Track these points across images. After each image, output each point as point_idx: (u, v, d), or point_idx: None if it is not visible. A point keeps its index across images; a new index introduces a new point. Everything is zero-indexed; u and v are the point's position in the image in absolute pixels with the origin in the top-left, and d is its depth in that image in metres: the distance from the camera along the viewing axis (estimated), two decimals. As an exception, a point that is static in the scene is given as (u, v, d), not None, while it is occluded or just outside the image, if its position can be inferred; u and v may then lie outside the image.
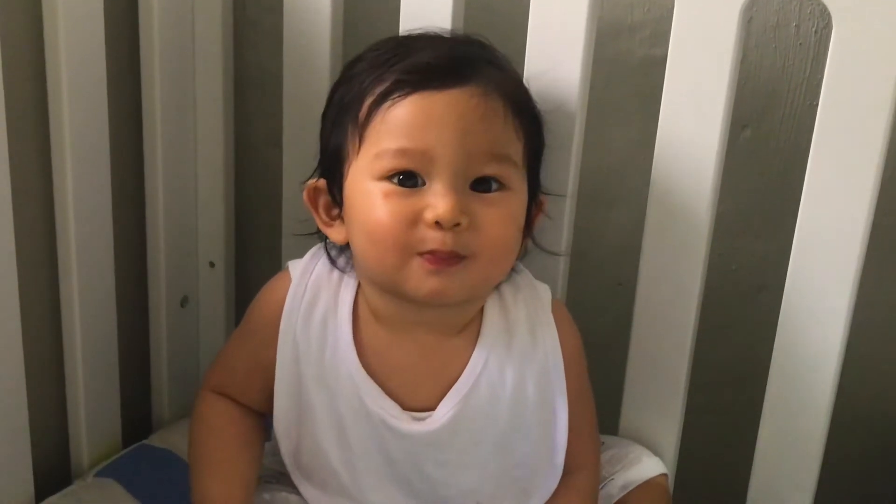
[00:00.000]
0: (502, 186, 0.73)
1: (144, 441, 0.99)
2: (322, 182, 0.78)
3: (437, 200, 0.70)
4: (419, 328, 0.77)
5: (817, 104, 0.76)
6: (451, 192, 0.70)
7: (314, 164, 0.80)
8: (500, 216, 0.72)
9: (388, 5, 0.91)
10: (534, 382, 0.78)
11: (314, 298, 0.78)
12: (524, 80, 0.80)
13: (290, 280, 0.79)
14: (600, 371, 0.85)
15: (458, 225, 0.69)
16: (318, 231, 0.80)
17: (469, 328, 0.78)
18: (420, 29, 0.80)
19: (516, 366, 0.78)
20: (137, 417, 1.04)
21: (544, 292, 0.81)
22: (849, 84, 0.75)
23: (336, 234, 0.78)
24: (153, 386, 1.05)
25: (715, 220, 0.83)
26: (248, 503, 0.78)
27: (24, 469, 0.86)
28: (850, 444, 0.95)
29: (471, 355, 0.78)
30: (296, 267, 0.80)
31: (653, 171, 0.83)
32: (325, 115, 0.79)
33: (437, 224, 0.69)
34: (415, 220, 0.70)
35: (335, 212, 0.78)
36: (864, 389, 1.00)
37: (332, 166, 0.76)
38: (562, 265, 0.89)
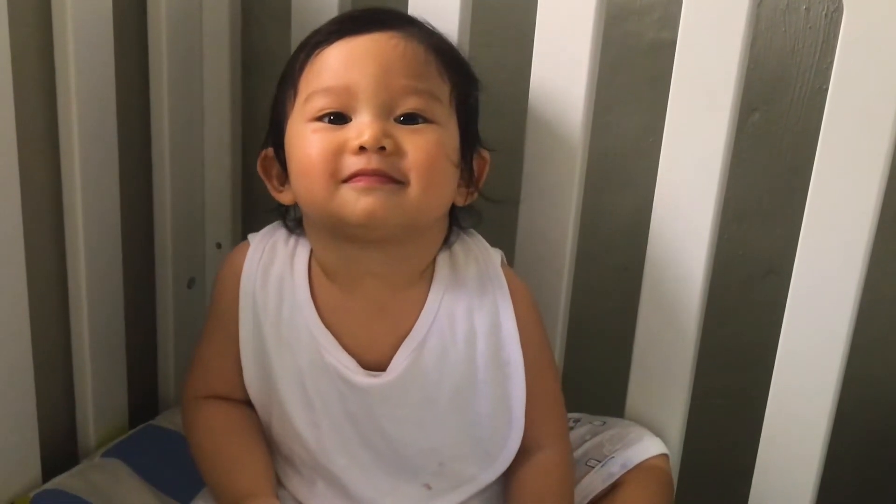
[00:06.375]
0: (428, 122, 0.75)
1: (151, 422, 0.99)
2: (270, 150, 0.81)
3: (362, 129, 0.73)
4: (369, 280, 0.79)
5: (827, 88, 0.76)
6: (374, 120, 0.73)
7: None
8: (425, 141, 0.74)
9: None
10: (484, 335, 0.79)
11: (270, 260, 0.81)
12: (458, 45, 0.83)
13: (248, 248, 0.82)
14: (606, 355, 0.85)
15: (383, 149, 0.72)
16: (278, 207, 0.83)
17: (420, 283, 0.80)
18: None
19: (466, 319, 0.79)
20: (144, 398, 1.04)
21: (495, 254, 0.83)
22: (859, 68, 0.74)
23: (285, 197, 0.81)
24: (160, 367, 1.05)
25: (723, 204, 0.83)
26: (275, 489, 0.79)
27: (32, 449, 0.87)
28: (856, 428, 0.95)
29: (422, 309, 0.79)
30: (254, 237, 0.84)
31: (661, 155, 0.83)
32: (273, 99, 0.82)
33: (362, 149, 0.72)
34: (341, 150, 0.73)
35: (284, 177, 0.80)
36: (872, 373, 1.00)
37: (277, 131, 0.80)
38: (568, 249, 0.89)
